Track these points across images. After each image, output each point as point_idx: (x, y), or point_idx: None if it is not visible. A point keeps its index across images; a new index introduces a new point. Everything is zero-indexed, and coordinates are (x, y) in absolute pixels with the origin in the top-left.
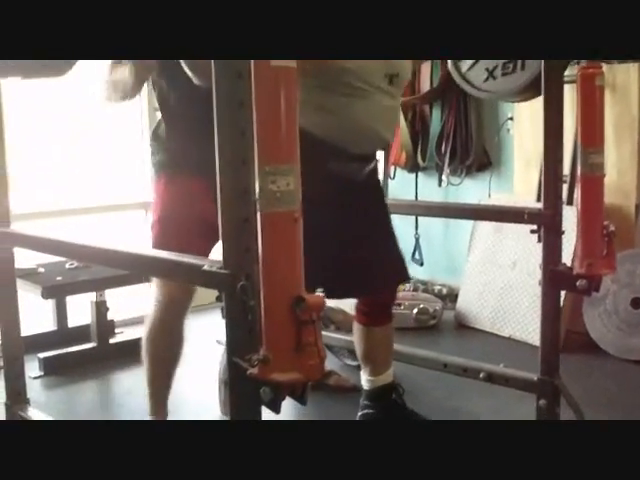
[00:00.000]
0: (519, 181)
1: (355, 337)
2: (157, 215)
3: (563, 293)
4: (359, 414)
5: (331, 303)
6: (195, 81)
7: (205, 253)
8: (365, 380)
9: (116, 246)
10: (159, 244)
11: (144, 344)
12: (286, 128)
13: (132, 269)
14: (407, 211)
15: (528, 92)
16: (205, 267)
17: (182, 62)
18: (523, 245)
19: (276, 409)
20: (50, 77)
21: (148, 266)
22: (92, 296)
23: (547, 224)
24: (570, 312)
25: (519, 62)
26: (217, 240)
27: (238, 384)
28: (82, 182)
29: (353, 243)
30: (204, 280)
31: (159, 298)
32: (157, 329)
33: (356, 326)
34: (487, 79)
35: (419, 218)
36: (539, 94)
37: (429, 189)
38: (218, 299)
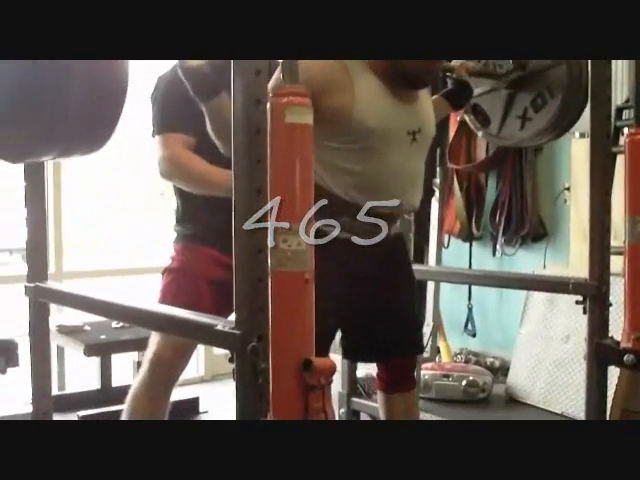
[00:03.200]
0: (575, 252)
1: (378, 404)
2: (174, 265)
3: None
4: None
5: (373, 373)
6: (221, 149)
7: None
8: None
9: (123, 301)
10: (169, 291)
11: (126, 406)
12: (300, 186)
13: (141, 324)
14: (451, 279)
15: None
16: (218, 327)
17: (212, 134)
18: (577, 317)
19: None
20: (85, 154)
21: (158, 321)
22: (136, 355)
23: (593, 295)
24: (626, 390)
25: (545, 91)
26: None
27: None
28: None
29: (369, 307)
30: (216, 340)
31: (149, 356)
32: (141, 393)
33: (378, 393)
34: (524, 125)
35: (472, 288)
36: None
37: (483, 259)
38: (230, 360)
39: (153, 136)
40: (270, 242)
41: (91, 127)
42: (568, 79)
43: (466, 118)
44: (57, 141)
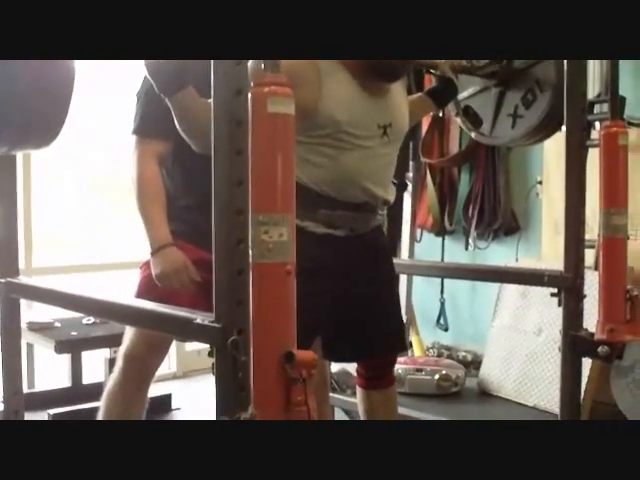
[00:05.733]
0: (547, 246)
1: (357, 400)
2: None
3: (590, 361)
4: None
5: (347, 367)
6: (193, 147)
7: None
8: None
9: (99, 296)
10: (145, 284)
11: (101, 404)
12: (282, 176)
13: (118, 319)
14: (425, 272)
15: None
16: (197, 320)
17: (180, 130)
18: (549, 311)
19: None
20: (36, 148)
21: (135, 316)
22: (107, 352)
23: (568, 287)
24: (597, 382)
25: (535, 86)
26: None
27: None
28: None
29: (350, 303)
30: (195, 334)
31: (122, 353)
32: (115, 391)
33: (357, 389)
34: (515, 122)
35: (445, 282)
36: None
37: (456, 253)
38: (210, 354)
39: (132, 134)
40: (251, 233)
41: (39, 121)
42: (557, 72)
43: (458, 121)
44: (5, 134)
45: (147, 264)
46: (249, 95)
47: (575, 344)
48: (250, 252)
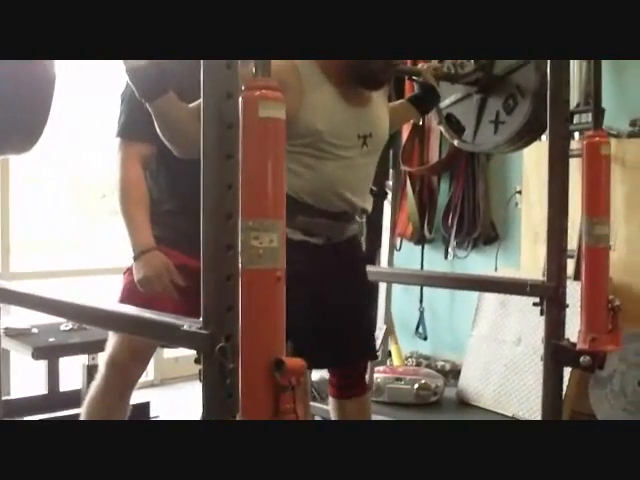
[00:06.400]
0: (526, 255)
1: (330, 410)
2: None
3: (568, 371)
4: None
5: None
6: (174, 152)
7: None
8: None
9: (86, 302)
10: (128, 290)
11: (82, 411)
12: (272, 181)
13: (104, 325)
14: (406, 281)
15: None
16: (185, 327)
17: (161, 135)
18: (528, 320)
19: None
20: (16, 154)
21: (121, 322)
22: (85, 359)
23: (550, 296)
24: (576, 391)
25: (516, 92)
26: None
27: None
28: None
29: (326, 310)
30: (182, 340)
31: (104, 359)
32: (96, 398)
33: (330, 399)
34: (497, 128)
35: (424, 291)
36: None
37: (435, 262)
38: (196, 361)
39: (116, 136)
40: (241, 239)
41: (18, 127)
42: (537, 77)
43: (441, 129)
44: None
45: (130, 270)
46: (240, 99)
47: (557, 354)
48: (239, 258)
